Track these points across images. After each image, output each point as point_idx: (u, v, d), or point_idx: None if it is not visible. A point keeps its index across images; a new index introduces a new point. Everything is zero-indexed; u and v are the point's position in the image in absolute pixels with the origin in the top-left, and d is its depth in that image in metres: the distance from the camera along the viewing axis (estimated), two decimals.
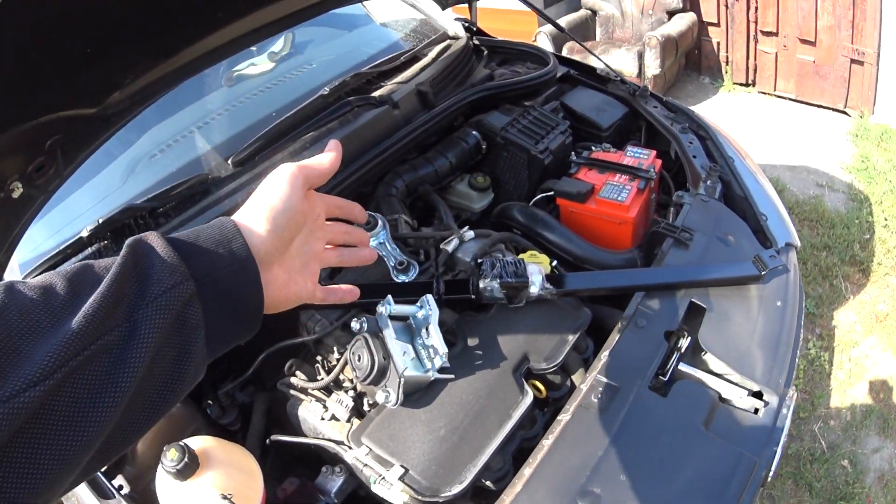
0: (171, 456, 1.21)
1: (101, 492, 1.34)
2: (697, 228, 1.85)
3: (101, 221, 1.68)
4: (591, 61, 2.70)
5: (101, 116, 1.43)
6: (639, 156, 2.10)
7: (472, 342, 1.46)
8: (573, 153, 2.09)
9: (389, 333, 1.34)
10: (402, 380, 1.30)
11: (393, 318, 1.39)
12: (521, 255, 1.63)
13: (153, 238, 0.63)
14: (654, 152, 2.13)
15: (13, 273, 1.73)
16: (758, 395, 1.49)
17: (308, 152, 1.88)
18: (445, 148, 2.07)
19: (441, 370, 1.35)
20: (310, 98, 2.04)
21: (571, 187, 1.92)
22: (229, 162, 1.91)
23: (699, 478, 1.32)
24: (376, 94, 2.09)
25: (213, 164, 1.98)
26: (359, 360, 1.34)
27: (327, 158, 0.82)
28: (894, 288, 3.35)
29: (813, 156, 4.53)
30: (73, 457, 0.53)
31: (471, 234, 1.67)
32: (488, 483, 1.33)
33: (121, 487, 1.36)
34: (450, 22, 2.74)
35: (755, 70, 5.38)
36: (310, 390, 1.47)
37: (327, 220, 0.86)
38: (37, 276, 1.61)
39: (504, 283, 1.47)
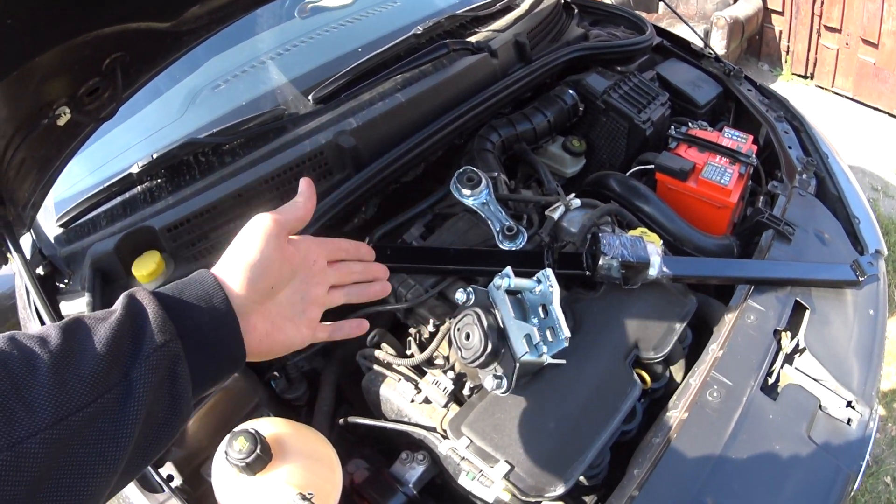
0: (239, 446, 1.01)
1: (147, 484, 1.13)
2: (798, 223, 1.76)
3: (155, 157, 1.50)
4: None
5: (173, 33, 1.22)
6: (737, 139, 1.98)
7: (582, 324, 1.34)
8: (672, 127, 1.97)
9: (507, 311, 1.18)
10: (518, 365, 1.15)
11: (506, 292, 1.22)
12: (631, 232, 1.51)
13: (144, 296, 0.67)
14: (751, 137, 2.01)
15: (48, 213, 1.54)
16: (850, 404, 1.43)
17: (400, 94, 1.73)
18: (543, 105, 1.92)
19: (554, 355, 1.20)
20: (400, 36, 1.87)
21: (674, 163, 1.80)
22: (310, 98, 1.72)
23: (803, 489, 1.27)
24: (472, 39, 1.94)
25: (290, 98, 1.80)
26: (466, 338, 1.18)
27: (301, 204, 0.83)
28: None
29: (868, 158, 4.38)
30: (86, 501, 0.59)
31: (577, 202, 1.54)
32: (581, 478, 1.22)
33: (170, 478, 1.15)
34: None
35: (815, 63, 5.20)
36: (397, 367, 1.32)
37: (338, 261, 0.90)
38: (76, 215, 1.49)
39: (625, 262, 1.33)
